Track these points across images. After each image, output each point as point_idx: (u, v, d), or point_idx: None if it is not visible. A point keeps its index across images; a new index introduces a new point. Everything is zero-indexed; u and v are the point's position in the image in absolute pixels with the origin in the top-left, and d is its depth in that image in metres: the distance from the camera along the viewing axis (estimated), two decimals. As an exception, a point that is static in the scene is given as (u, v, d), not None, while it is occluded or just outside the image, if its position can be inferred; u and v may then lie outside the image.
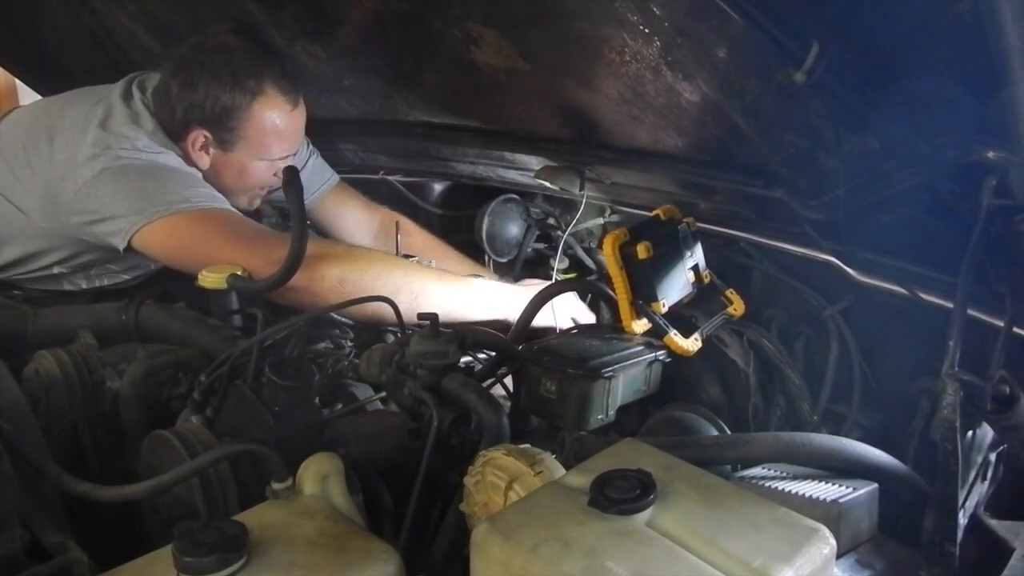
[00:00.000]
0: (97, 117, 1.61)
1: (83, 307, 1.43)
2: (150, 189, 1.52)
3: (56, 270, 1.66)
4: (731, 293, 1.48)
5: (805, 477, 1.02)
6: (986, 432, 1.05)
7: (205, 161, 1.66)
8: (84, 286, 1.69)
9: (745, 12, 1.00)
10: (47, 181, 1.57)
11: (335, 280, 1.42)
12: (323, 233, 2.00)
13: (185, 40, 1.68)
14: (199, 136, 1.62)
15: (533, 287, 1.59)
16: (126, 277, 1.70)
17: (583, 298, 1.99)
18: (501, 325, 1.50)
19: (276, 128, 1.64)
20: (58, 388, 1.22)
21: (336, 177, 2.02)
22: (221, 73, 1.58)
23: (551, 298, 1.48)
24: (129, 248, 1.50)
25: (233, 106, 1.59)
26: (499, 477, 0.89)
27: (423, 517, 1.05)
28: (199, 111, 1.59)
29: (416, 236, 1.97)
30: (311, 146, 1.99)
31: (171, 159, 1.61)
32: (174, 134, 1.63)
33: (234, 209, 1.59)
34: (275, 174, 1.70)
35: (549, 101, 1.58)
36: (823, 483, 1.00)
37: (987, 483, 1.08)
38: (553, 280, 1.97)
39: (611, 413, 1.23)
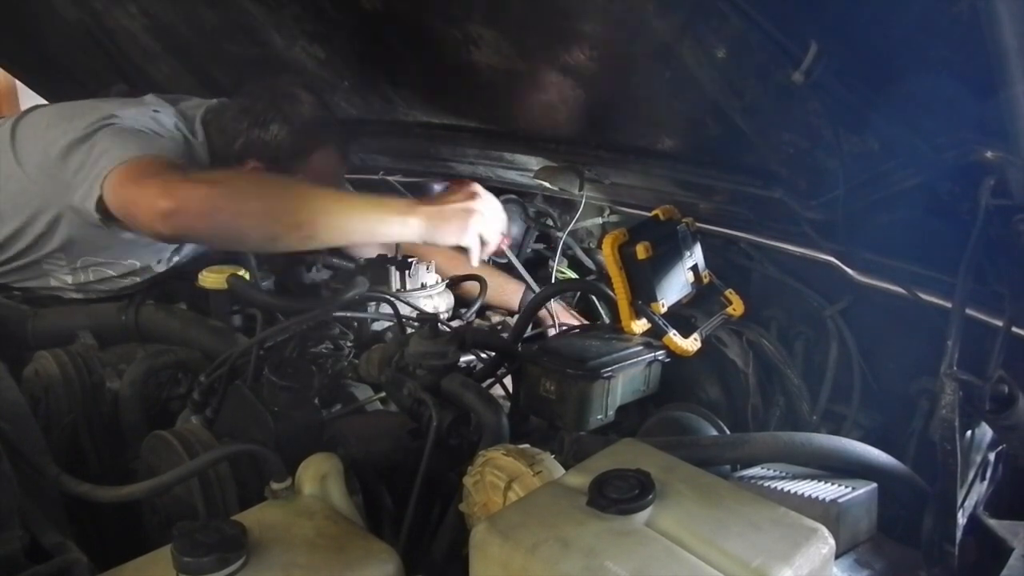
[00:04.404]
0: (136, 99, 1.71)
1: (83, 307, 1.43)
2: (136, 140, 1.52)
3: (37, 254, 1.64)
4: (730, 293, 1.48)
5: (804, 477, 1.02)
6: (985, 432, 1.05)
7: None
8: (70, 281, 1.68)
9: (744, 12, 1.00)
10: (61, 146, 1.58)
11: (223, 199, 1.38)
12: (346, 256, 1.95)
13: (187, 41, 1.70)
14: (253, 168, 1.69)
15: (455, 209, 1.50)
16: (111, 273, 1.69)
17: (582, 299, 2.00)
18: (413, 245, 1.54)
19: (324, 174, 1.73)
20: (58, 389, 1.23)
21: (348, 188, 2.02)
22: (292, 119, 1.69)
23: (549, 299, 1.49)
24: (103, 212, 1.47)
25: (295, 151, 1.69)
26: (498, 477, 0.89)
27: (422, 517, 1.05)
28: (262, 146, 1.69)
29: (437, 250, 1.95)
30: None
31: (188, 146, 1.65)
32: (226, 158, 1.70)
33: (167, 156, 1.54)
34: None
35: (549, 101, 1.58)
36: (822, 483, 1.00)
37: (986, 483, 1.08)
38: (553, 279, 1.98)
39: (610, 413, 1.23)
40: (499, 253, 1.63)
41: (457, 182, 1.60)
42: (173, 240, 1.51)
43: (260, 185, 1.48)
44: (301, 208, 1.41)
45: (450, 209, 1.49)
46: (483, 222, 1.50)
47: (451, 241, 1.49)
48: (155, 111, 1.69)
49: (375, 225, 1.47)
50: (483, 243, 1.52)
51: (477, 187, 1.53)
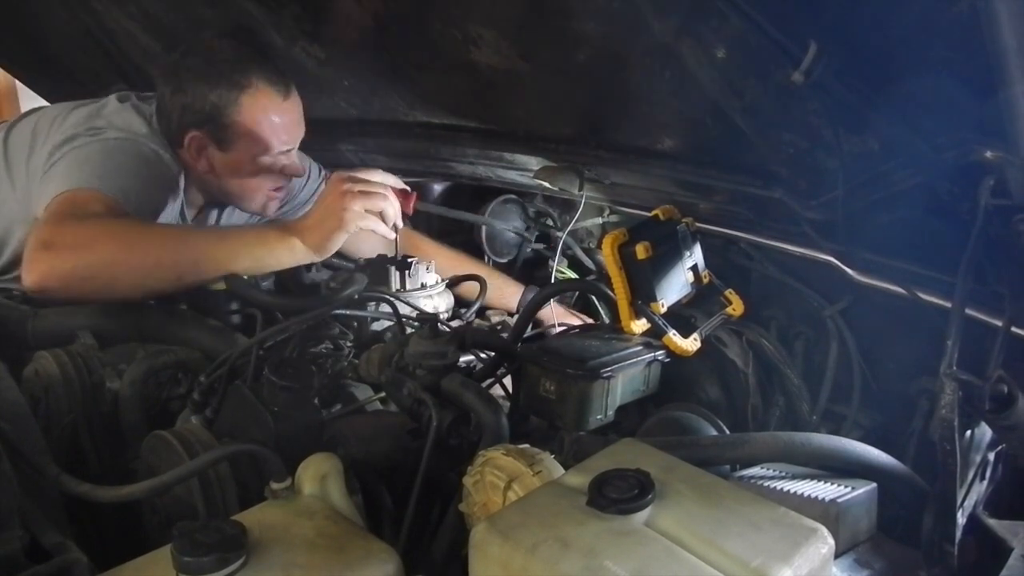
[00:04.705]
0: (96, 106, 1.67)
1: (83, 307, 1.43)
2: (93, 165, 1.50)
3: (13, 273, 1.65)
4: (730, 293, 1.48)
5: (804, 477, 1.02)
6: (985, 432, 1.05)
7: (204, 164, 1.66)
8: None
9: (744, 12, 1.00)
10: (39, 162, 1.59)
11: (88, 268, 1.35)
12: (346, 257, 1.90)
13: (185, 42, 1.69)
14: (194, 138, 1.63)
15: (312, 224, 1.47)
16: None
17: (581, 299, 2.00)
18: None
19: (270, 120, 1.63)
20: (58, 389, 1.22)
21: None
22: (207, 72, 1.59)
23: (549, 299, 1.49)
24: None
25: (222, 103, 1.60)
26: (498, 477, 0.89)
27: (422, 517, 1.05)
28: (191, 113, 1.60)
29: (437, 254, 1.90)
30: (323, 171, 1.99)
31: (153, 151, 1.61)
32: (173, 142, 1.65)
33: (123, 200, 1.48)
34: (280, 169, 1.70)
35: (549, 101, 1.58)
36: (822, 483, 1.00)
37: (986, 483, 1.08)
38: (552, 279, 1.98)
39: (610, 413, 1.23)
40: (412, 212, 1.57)
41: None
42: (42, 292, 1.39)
43: (146, 242, 1.41)
44: (180, 260, 1.39)
45: (320, 212, 1.46)
46: (361, 201, 1.45)
47: (341, 239, 1.46)
48: (129, 111, 1.66)
49: (261, 256, 1.44)
50: (381, 217, 1.48)
51: (340, 173, 1.49)
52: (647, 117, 1.46)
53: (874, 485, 1.00)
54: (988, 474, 1.08)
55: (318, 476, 0.89)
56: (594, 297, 1.92)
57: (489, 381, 1.28)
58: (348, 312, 1.46)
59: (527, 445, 0.95)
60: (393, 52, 1.67)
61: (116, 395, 1.25)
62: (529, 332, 1.51)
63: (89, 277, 1.35)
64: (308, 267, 1.65)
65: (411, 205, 1.55)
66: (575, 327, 1.65)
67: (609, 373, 1.19)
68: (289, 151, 1.70)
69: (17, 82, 3.08)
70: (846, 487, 0.98)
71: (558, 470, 0.89)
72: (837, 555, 0.83)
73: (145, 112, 1.67)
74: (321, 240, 1.45)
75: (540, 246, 2.18)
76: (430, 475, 1.03)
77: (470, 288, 1.75)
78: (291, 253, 1.46)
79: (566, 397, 1.19)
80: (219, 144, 1.64)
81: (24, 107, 3.34)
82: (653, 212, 1.46)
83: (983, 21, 0.79)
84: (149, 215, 1.55)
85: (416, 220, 2.17)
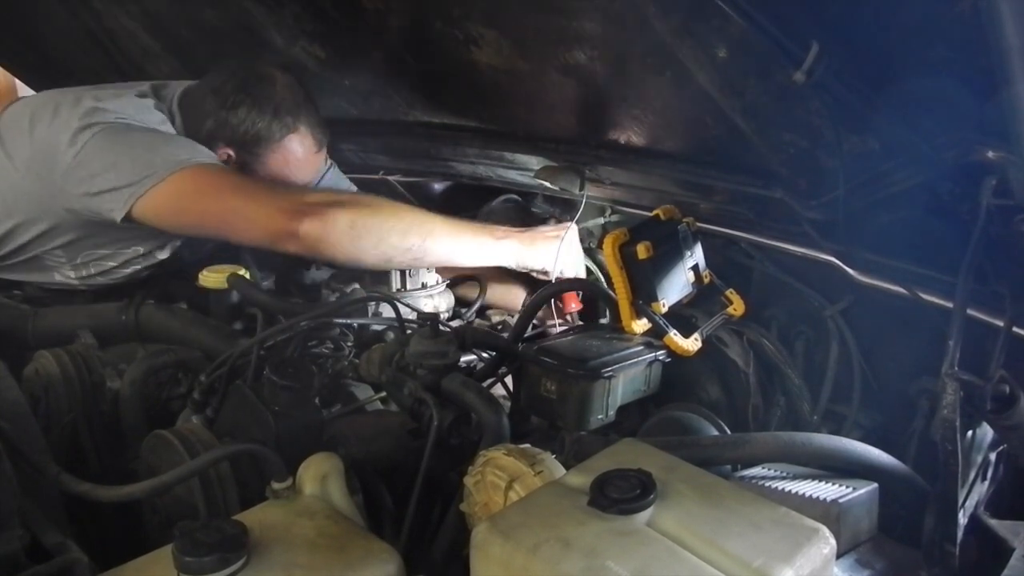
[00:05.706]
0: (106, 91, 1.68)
1: (83, 307, 1.43)
2: (158, 144, 1.54)
3: (36, 250, 1.64)
4: (731, 293, 1.48)
5: (805, 477, 1.02)
6: (986, 432, 1.05)
7: None
8: (73, 276, 1.68)
9: (745, 12, 1.00)
10: (48, 144, 1.57)
11: (346, 224, 1.45)
12: None
13: (187, 41, 1.70)
14: (223, 153, 1.67)
15: (544, 236, 1.63)
16: (112, 264, 1.67)
17: (581, 299, 1.99)
18: (506, 271, 1.63)
19: (297, 163, 1.71)
20: (58, 388, 1.23)
21: (353, 188, 2.03)
22: (263, 103, 1.65)
23: (550, 299, 1.49)
24: (128, 218, 1.49)
25: (266, 136, 1.66)
26: (499, 477, 0.89)
27: (423, 517, 1.05)
28: (231, 131, 1.65)
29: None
30: (328, 159, 2.00)
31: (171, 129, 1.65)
32: (196, 140, 1.67)
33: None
34: None
35: (549, 101, 1.58)
36: (823, 483, 1.00)
37: (987, 483, 1.08)
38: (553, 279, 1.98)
39: (611, 413, 1.23)
40: (567, 312, 1.71)
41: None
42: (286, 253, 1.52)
43: (389, 211, 1.51)
44: (413, 232, 1.48)
45: (541, 236, 1.61)
46: (568, 252, 1.62)
47: (538, 265, 1.59)
48: (137, 97, 1.67)
49: (475, 249, 1.55)
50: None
51: (570, 225, 1.66)
52: (647, 117, 1.46)
53: (875, 485, 1.00)
54: (989, 474, 1.08)
55: (319, 476, 0.89)
56: (594, 297, 1.92)
57: (490, 381, 1.28)
58: (346, 320, 1.45)
59: (528, 445, 0.95)
60: (393, 52, 1.68)
61: (116, 395, 1.25)
62: (530, 332, 1.51)
63: (357, 236, 1.45)
64: (307, 265, 1.65)
65: (571, 307, 1.71)
66: (575, 327, 1.65)
67: (610, 373, 1.19)
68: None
69: (17, 82, 3.07)
70: (847, 487, 0.98)
71: (559, 470, 0.89)
72: (838, 555, 0.83)
73: (163, 109, 1.70)
74: (527, 255, 1.58)
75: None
76: (431, 475, 1.03)
77: (471, 288, 1.75)
78: (498, 252, 1.57)
79: (567, 397, 1.19)
80: (242, 166, 1.68)
81: (24, 107, 3.32)
82: (654, 212, 1.46)
83: (985, 20, 0.79)
84: None
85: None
